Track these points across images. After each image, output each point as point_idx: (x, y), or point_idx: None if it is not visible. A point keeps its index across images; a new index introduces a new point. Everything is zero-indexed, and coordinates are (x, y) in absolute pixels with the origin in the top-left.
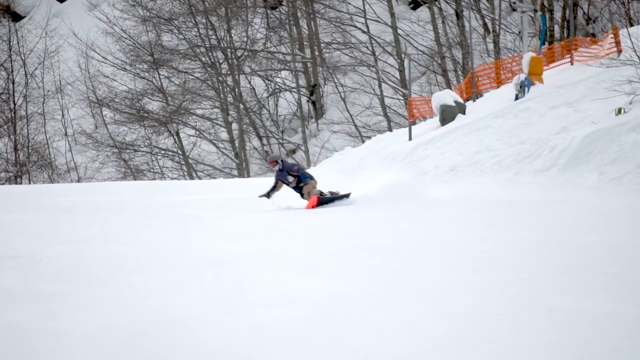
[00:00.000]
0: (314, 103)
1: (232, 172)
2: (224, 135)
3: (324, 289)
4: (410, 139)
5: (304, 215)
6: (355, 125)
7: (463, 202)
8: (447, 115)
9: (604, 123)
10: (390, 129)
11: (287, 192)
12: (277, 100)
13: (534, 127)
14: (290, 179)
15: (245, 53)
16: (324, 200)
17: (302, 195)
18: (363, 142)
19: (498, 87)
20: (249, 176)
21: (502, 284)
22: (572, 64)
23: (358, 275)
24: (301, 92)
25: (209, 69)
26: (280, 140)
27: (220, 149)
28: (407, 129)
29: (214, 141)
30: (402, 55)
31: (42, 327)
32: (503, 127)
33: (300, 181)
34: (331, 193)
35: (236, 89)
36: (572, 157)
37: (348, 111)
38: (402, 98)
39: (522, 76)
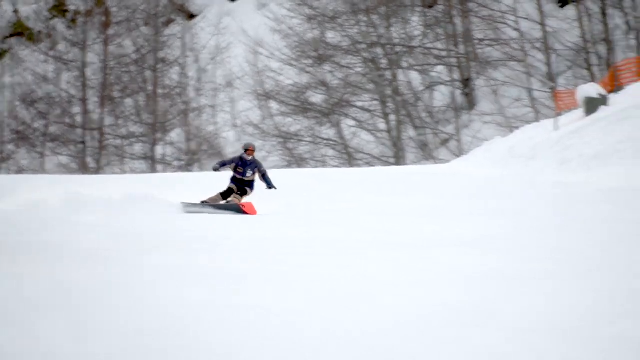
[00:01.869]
0: (466, 95)
1: (389, 161)
2: (382, 125)
3: None
4: (556, 129)
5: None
6: (505, 117)
7: (607, 190)
8: (591, 107)
9: None
10: (537, 120)
11: None
12: (432, 93)
13: None
14: (249, 173)
15: (403, 49)
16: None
17: (237, 192)
18: (512, 132)
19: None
20: (405, 164)
21: None
22: None
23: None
24: (455, 86)
25: (369, 64)
26: (435, 131)
27: (379, 139)
28: (553, 119)
29: (372, 131)
30: (550, 51)
31: (227, 303)
32: None
33: (249, 182)
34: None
35: (394, 83)
36: None
37: (498, 103)
38: (549, 91)
39: None
